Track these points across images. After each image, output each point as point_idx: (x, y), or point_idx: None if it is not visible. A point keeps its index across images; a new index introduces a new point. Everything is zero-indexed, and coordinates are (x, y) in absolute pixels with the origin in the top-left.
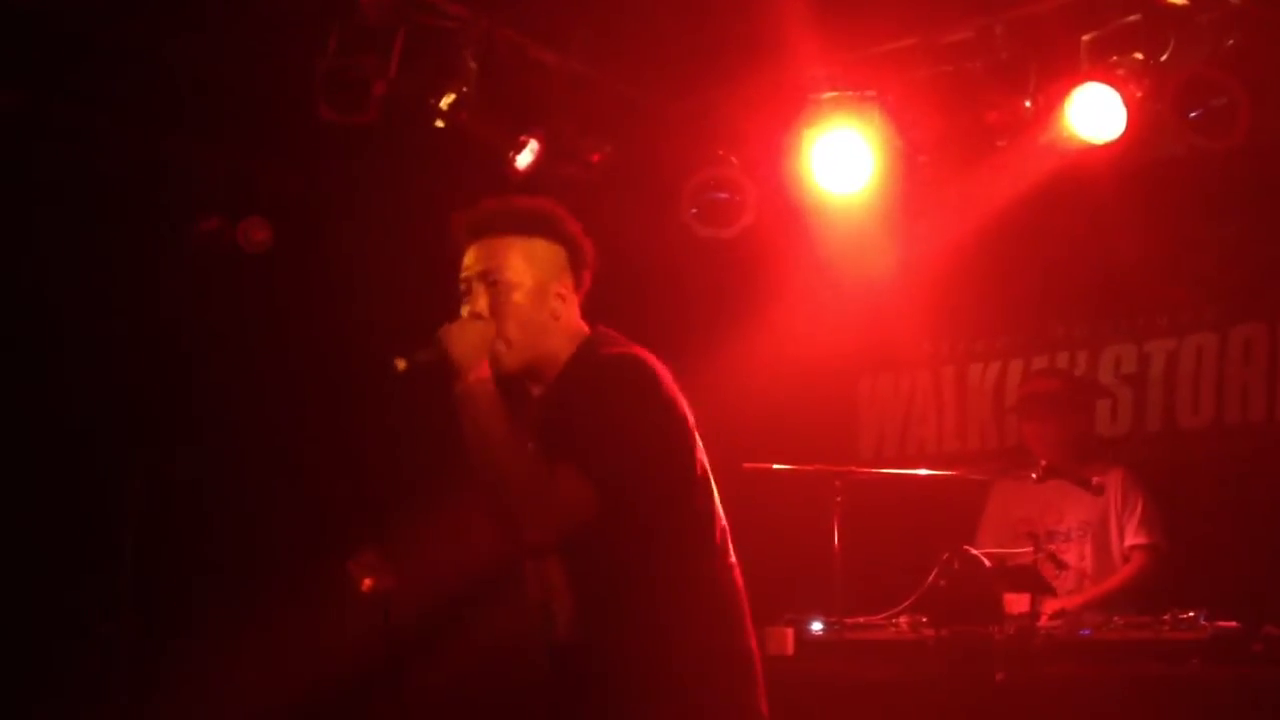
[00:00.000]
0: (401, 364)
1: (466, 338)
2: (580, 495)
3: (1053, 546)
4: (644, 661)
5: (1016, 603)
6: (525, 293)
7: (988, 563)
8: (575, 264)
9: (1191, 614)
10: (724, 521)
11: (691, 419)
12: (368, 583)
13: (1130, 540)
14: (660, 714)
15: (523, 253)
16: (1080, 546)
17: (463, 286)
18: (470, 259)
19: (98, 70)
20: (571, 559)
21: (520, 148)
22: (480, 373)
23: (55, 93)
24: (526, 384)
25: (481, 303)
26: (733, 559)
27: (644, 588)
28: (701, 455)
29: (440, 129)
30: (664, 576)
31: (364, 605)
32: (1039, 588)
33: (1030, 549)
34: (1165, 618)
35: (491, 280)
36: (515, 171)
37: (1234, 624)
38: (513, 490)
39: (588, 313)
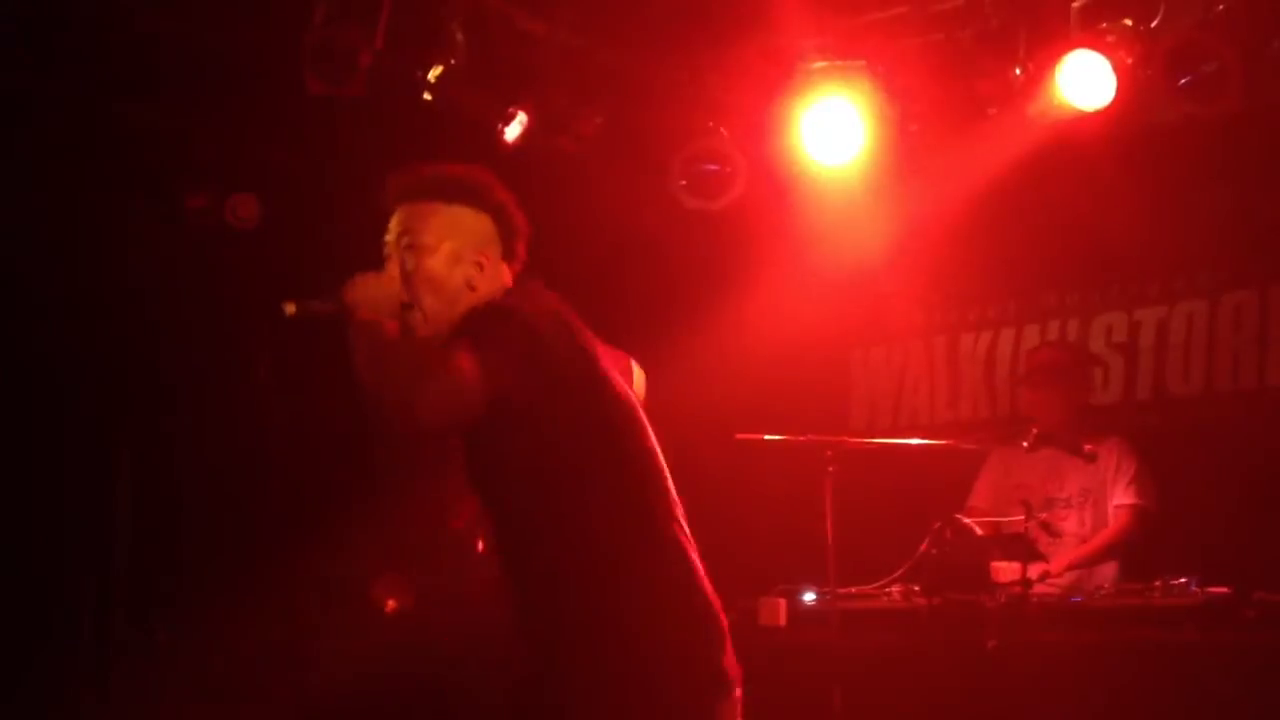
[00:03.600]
0: (291, 308)
1: (369, 291)
2: (466, 374)
3: (1047, 515)
4: (546, 577)
5: (1006, 570)
6: (440, 259)
7: (979, 531)
8: (503, 234)
9: (1183, 580)
10: (669, 482)
11: (599, 364)
12: (391, 604)
13: (1117, 500)
14: (593, 657)
15: (444, 220)
16: (1080, 513)
17: (385, 250)
18: (393, 222)
19: (83, 44)
20: (486, 488)
21: (509, 120)
22: (386, 322)
23: (40, 68)
24: None
25: (395, 267)
26: (680, 517)
27: (551, 509)
28: (620, 391)
29: (428, 101)
30: (595, 507)
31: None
32: (1030, 555)
33: (1022, 516)
34: (1157, 584)
35: (407, 244)
36: (504, 144)
37: (1226, 590)
38: (401, 372)
39: (577, 281)
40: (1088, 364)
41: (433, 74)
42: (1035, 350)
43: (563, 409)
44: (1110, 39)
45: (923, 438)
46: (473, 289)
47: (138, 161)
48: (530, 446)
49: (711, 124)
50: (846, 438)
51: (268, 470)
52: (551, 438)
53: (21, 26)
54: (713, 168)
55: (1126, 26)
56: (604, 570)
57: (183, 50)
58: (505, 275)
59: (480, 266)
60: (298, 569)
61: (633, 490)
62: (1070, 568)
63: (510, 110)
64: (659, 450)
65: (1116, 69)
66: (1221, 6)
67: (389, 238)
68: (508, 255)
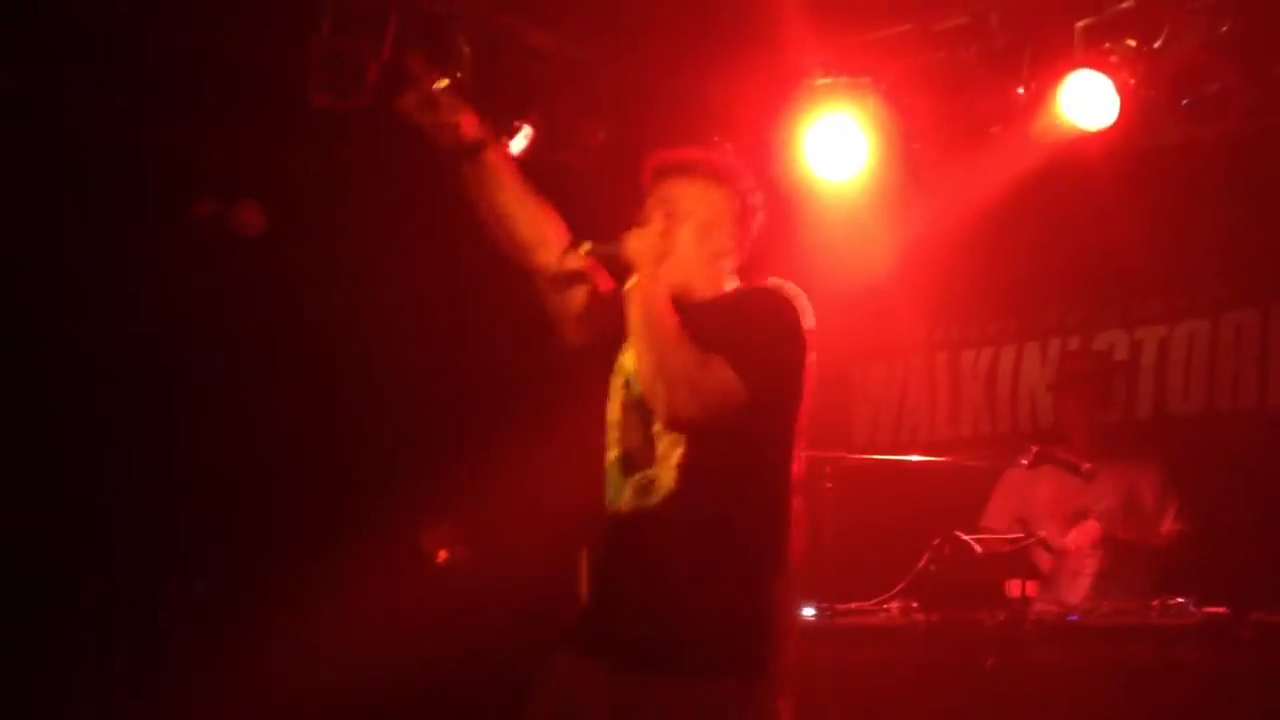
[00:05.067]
0: (587, 246)
1: (645, 242)
2: (731, 385)
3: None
4: (726, 542)
5: (1017, 587)
6: (694, 226)
7: (978, 548)
8: (745, 213)
9: (1181, 600)
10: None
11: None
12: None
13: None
14: (720, 596)
15: (699, 193)
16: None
17: (643, 214)
18: (655, 192)
19: (89, 52)
20: (698, 444)
21: (514, 133)
22: (655, 273)
23: (46, 75)
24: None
25: (658, 227)
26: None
27: (748, 477)
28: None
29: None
30: (769, 472)
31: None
32: (1028, 573)
33: (1020, 534)
34: (1154, 603)
35: (669, 211)
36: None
37: (1223, 610)
38: (674, 368)
39: None
40: (1112, 373)
41: (439, 86)
42: (1068, 359)
43: (785, 394)
44: (1113, 59)
45: (923, 454)
46: (717, 258)
47: (143, 168)
48: (758, 426)
49: (716, 139)
50: (846, 454)
51: (273, 479)
52: (764, 408)
53: (28, 32)
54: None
55: (1129, 47)
56: (754, 514)
57: (190, 58)
58: (739, 251)
59: (726, 241)
60: (304, 590)
61: (788, 462)
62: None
63: (516, 123)
64: None
65: (1119, 89)
66: (1224, 28)
67: (650, 202)
68: (744, 234)
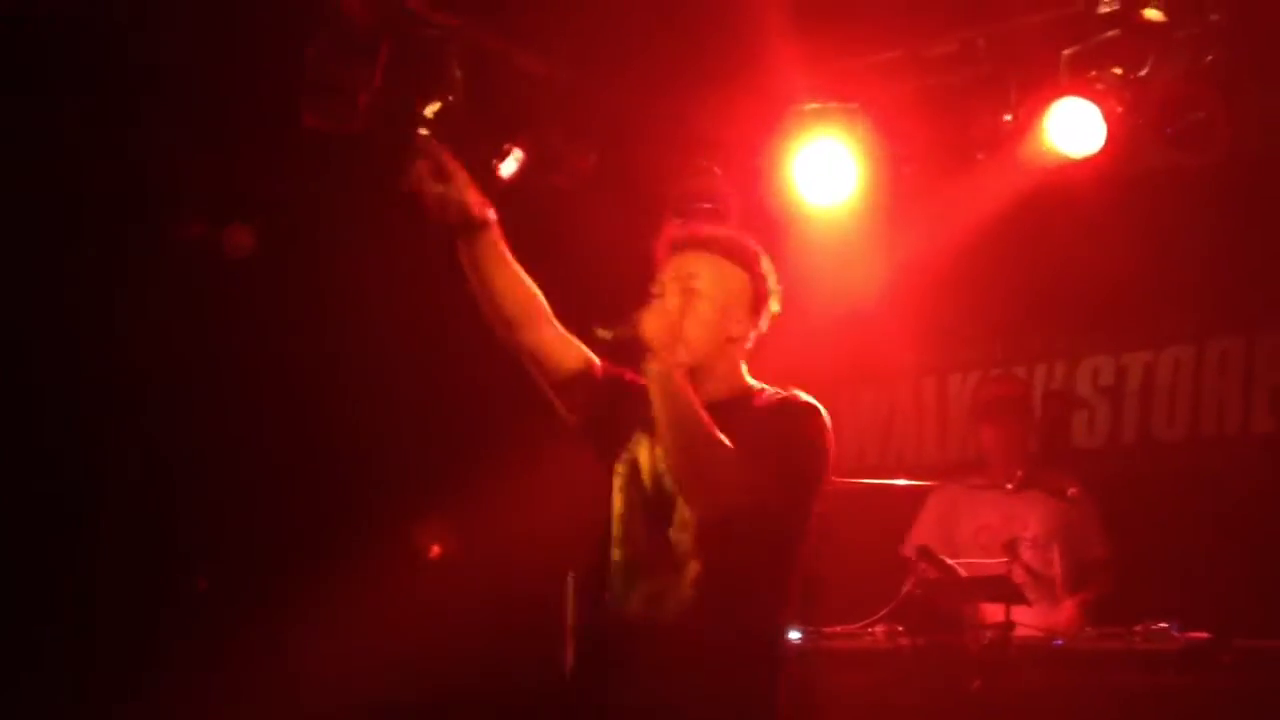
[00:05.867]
0: (607, 334)
1: (659, 322)
2: (756, 486)
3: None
4: (739, 658)
5: (995, 612)
6: (712, 305)
7: (963, 573)
8: (756, 300)
9: (1163, 625)
10: None
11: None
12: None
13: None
14: (735, 708)
15: (718, 272)
16: (1046, 554)
17: (657, 289)
18: (672, 265)
19: (78, 72)
20: (716, 557)
21: (504, 156)
22: (675, 355)
23: (34, 94)
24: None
25: (673, 302)
26: None
27: (762, 596)
28: None
29: (425, 136)
30: (777, 593)
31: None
32: (1013, 597)
33: (1005, 559)
34: (1137, 628)
35: (687, 286)
36: (499, 179)
37: (1205, 635)
38: (703, 456)
39: (570, 318)
40: (1053, 400)
41: (430, 110)
42: (983, 387)
43: (806, 507)
44: (1099, 87)
45: (910, 478)
46: (732, 341)
47: (131, 190)
48: (777, 540)
49: (705, 163)
50: (833, 478)
51: (267, 485)
52: (787, 520)
53: (16, 54)
54: (705, 206)
55: (1116, 75)
56: (765, 625)
57: (182, 79)
58: (751, 337)
59: (742, 324)
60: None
61: (799, 569)
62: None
63: (506, 147)
64: None
65: (1106, 116)
66: (1210, 56)
67: (665, 277)
68: (758, 319)
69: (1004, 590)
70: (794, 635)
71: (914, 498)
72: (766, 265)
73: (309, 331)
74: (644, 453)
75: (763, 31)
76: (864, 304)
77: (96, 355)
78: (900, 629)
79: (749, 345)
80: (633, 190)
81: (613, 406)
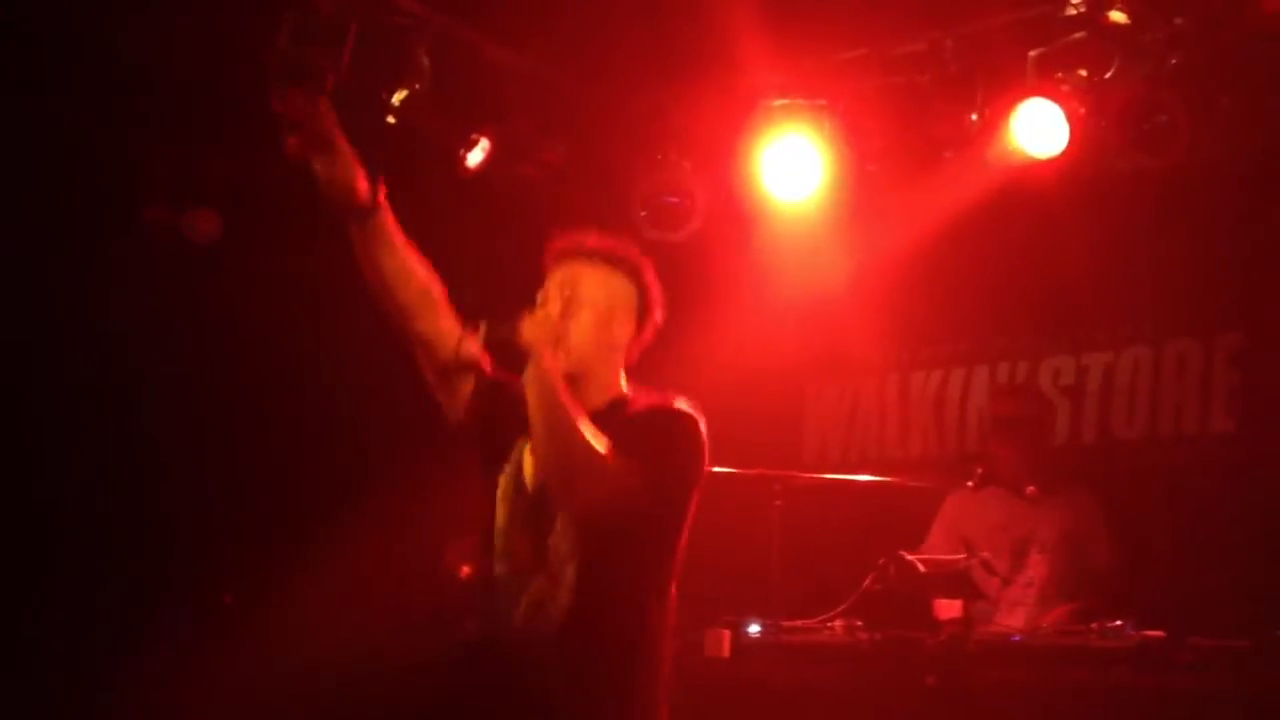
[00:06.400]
0: (483, 328)
1: (540, 328)
2: (633, 483)
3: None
4: (618, 661)
5: (948, 608)
6: (594, 313)
7: (922, 569)
8: (642, 311)
9: (1119, 623)
10: None
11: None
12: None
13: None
14: (620, 709)
15: (602, 280)
16: (1054, 558)
17: (541, 295)
18: (558, 274)
19: (45, 58)
20: (594, 557)
21: (472, 145)
22: (553, 359)
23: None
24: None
25: (556, 308)
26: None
27: (639, 598)
28: None
29: (392, 125)
30: (656, 592)
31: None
32: (972, 594)
33: (964, 555)
34: (1093, 626)
35: (569, 294)
36: (466, 169)
37: (1160, 634)
38: (577, 457)
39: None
40: (1049, 413)
41: (397, 98)
42: (999, 400)
43: (682, 508)
44: (1065, 88)
45: (872, 474)
46: (614, 349)
47: (96, 177)
48: (653, 542)
49: (673, 156)
50: (795, 473)
51: (225, 481)
52: (662, 519)
53: None
54: (673, 200)
55: (1081, 77)
56: (647, 625)
57: (144, 64)
58: (634, 348)
59: (624, 332)
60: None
61: (675, 569)
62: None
63: (473, 136)
64: None
65: (1070, 118)
66: (1174, 60)
67: (549, 284)
68: (639, 333)
69: (962, 586)
70: (753, 629)
71: (873, 494)
72: (651, 275)
73: (274, 319)
74: (527, 460)
75: (732, 27)
76: (829, 299)
77: (62, 345)
78: (859, 624)
79: (632, 353)
80: (601, 183)
81: (496, 408)
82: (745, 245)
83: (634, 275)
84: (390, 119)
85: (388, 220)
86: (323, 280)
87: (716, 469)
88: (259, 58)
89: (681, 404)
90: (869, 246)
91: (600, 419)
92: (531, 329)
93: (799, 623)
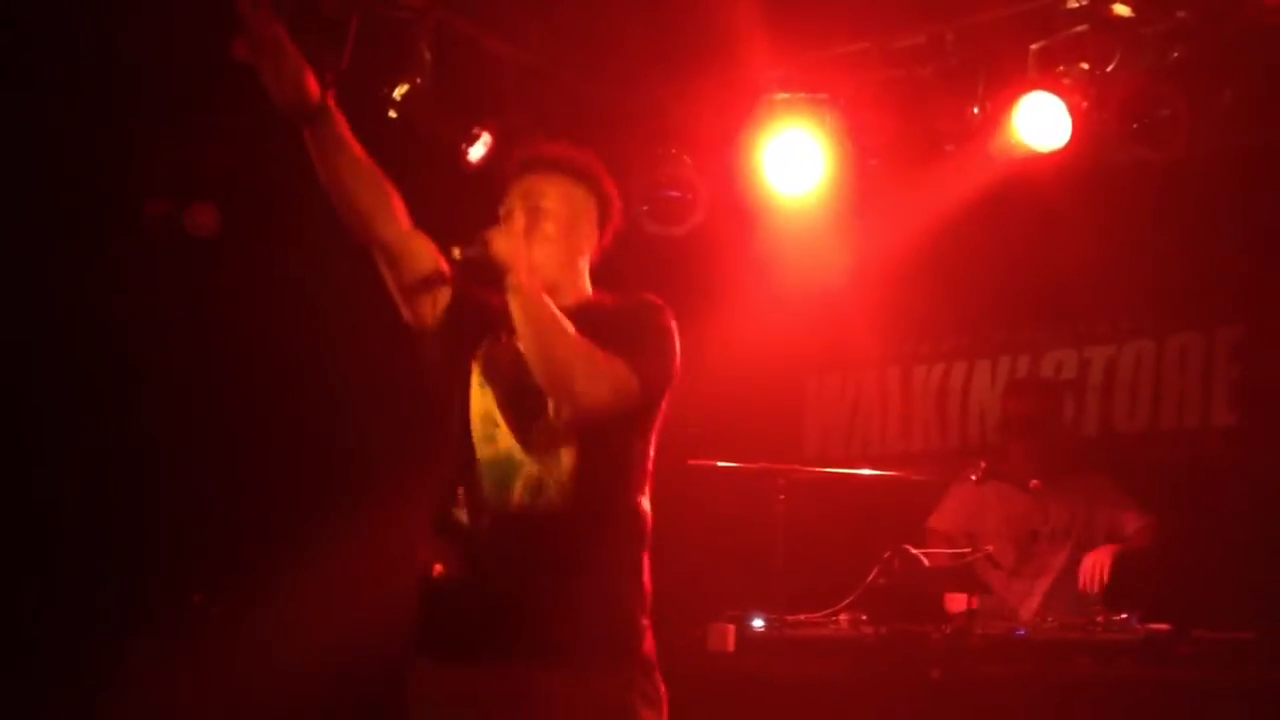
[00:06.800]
0: (457, 253)
1: (508, 241)
2: (628, 382)
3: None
4: (609, 543)
5: (958, 601)
6: (558, 223)
7: (927, 562)
8: (603, 218)
9: (1124, 616)
10: None
11: None
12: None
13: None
14: (618, 588)
15: (566, 191)
16: (1064, 546)
17: (503, 210)
18: (516, 188)
19: (42, 53)
20: (590, 442)
21: (473, 140)
22: (529, 271)
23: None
24: None
25: (520, 223)
26: None
27: (632, 478)
28: None
29: (393, 119)
30: (642, 475)
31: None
32: (976, 587)
33: (968, 549)
34: (1099, 619)
35: (532, 206)
36: (467, 163)
37: (1165, 626)
38: (573, 361)
39: None
40: (1061, 405)
41: (398, 92)
42: (1014, 398)
43: (663, 398)
44: (1066, 82)
45: (874, 467)
46: (579, 254)
47: (97, 171)
48: (642, 421)
49: (674, 151)
50: (799, 466)
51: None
52: (649, 411)
53: None
54: (674, 194)
55: (1083, 70)
56: (633, 514)
57: (147, 60)
58: (595, 251)
59: (588, 240)
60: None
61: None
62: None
63: (474, 130)
64: None
65: (1071, 111)
66: (1175, 54)
67: (510, 200)
68: (602, 235)
69: (966, 580)
70: (757, 623)
71: (877, 487)
72: (609, 181)
73: (273, 312)
74: (501, 352)
75: (733, 22)
76: (830, 293)
77: (60, 342)
78: (864, 617)
79: (592, 257)
80: None
81: (463, 309)
82: (747, 240)
83: (594, 184)
84: (392, 114)
85: (339, 122)
86: (321, 275)
87: (720, 463)
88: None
89: (649, 296)
90: (870, 240)
91: (577, 317)
92: (503, 244)
93: (803, 617)
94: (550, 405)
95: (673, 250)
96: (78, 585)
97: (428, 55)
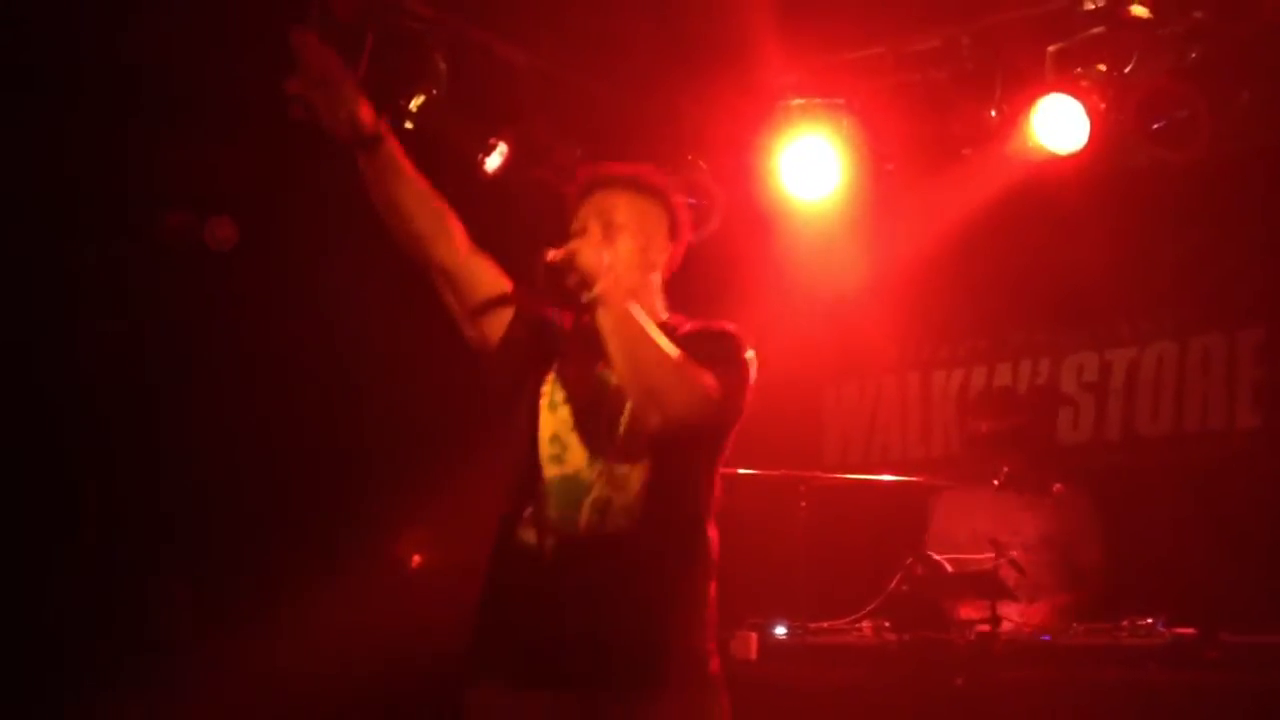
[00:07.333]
0: (551, 254)
1: (592, 253)
2: (714, 394)
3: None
4: (676, 566)
5: (976, 608)
6: (632, 237)
7: (950, 568)
8: (674, 232)
9: (1149, 620)
10: None
11: None
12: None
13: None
14: (688, 610)
15: (634, 206)
16: (1036, 557)
17: (576, 226)
18: (587, 205)
19: (61, 63)
20: (663, 464)
21: (490, 150)
22: (614, 282)
23: (17, 86)
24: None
25: (597, 237)
26: None
27: (700, 501)
28: None
29: (409, 130)
30: (710, 498)
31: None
32: (1000, 593)
33: (991, 554)
34: (1124, 624)
35: (606, 221)
36: (484, 173)
37: (1191, 630)
38: (663, 364)
39: None
40: (1043, 407)
41: (415, 103)
42: (974, 415)
43: (737, 419)
44: (1084, 84)
45: (894, 474)
46: (652, 269)
47: (116, 182)
48: (715, 442)
49: (690, 158)
50: (819, 473)
51: (241, 486)
52: (725, 430)
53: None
54: (691, 201)
55: (1100, 72)
56: (701, 535)
57: (165, 73)
58: (670, 266)
59: (661, 255)
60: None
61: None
62: None
63: (491, 140)
64: None
65: (1089, 113)
66: (1193, 54)
67: (584, 214)
68: (675, 249)
69: (990, 586)
70: (780, 631)
71: (898, 493)
72: (680, 195)
73: (290, 324)
74: (573, 370)
75: (749, 28)
76: (848, 298)
77: (74, 346)
78: (887, 624)
79: (667, 271)
80: None
81: (530, 330)
82: (764, 245)
83: (662, 197)
84: (408, 124)
85: (395, 147)
86: (336, 287)
87: (741, 470)
88: (276, 64)
89: (729, 324)
90: (888, 245)
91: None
92: (588, 254)
93: (826, 624)
94: (624, 422)
95: (689, 257)
96: (83, 588)
97: (443, 65)
